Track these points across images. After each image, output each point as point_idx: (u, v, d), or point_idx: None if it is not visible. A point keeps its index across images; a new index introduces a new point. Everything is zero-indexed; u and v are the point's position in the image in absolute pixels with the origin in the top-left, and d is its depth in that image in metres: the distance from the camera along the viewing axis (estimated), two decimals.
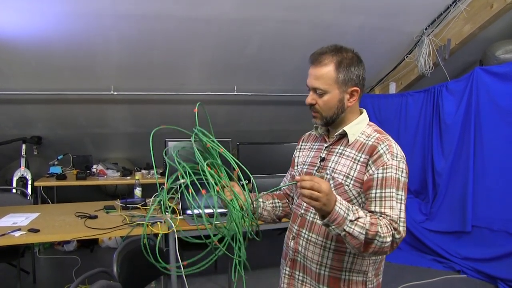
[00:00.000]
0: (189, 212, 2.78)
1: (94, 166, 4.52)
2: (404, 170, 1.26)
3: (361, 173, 1.27)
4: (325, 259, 1.33)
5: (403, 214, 1.22)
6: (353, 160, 1.30)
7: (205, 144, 1.26)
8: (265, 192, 1.48)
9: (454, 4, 3.68)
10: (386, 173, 1.23)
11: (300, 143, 1.57)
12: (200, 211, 1.16)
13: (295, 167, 1.52)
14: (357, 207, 1.19)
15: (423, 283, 3.51)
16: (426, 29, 4.00)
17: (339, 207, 1.13)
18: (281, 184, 1.60)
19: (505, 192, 3.48)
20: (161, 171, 4.55)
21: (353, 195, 1.29)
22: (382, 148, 1.26)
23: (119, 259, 2.01)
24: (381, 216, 1.20)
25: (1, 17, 3.15)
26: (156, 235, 2.47)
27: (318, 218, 1.26)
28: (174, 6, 3.26)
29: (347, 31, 3.80)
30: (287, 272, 1.46)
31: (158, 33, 3.55)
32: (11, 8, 3.07)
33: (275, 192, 1.59)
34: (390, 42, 4.17)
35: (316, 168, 1.40)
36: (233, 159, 1.24)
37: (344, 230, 1.14)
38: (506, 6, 3.40)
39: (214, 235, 1.20)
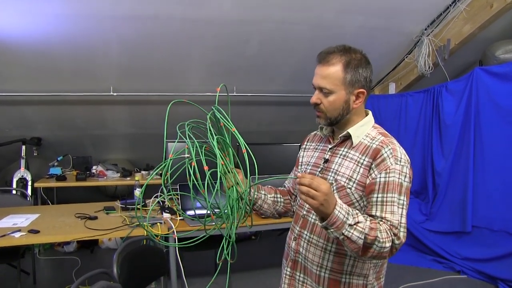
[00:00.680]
0: (188, 212, 2.78)
1: (94, 167, 4.52)
2: (408, 175, 1.24)
3: (364, 176, 1.26)
4: (325, 261, 1.33)
5: (404, 220, 1.21)
6: (356, 163, 1.29)
7: (218, 122, 1.27)
8: (264, 180, 1.42)
9: (454, 4, 3.68)
10: (388, 177, 1.22)
11: (305, 143, 1.56)
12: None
13: (299, 167, 1.52)
14: (357, 211, 1.18)
15: (423, 284, 3.50)
16: (425, 29, 4.00)
17: (339, 211, 1.12)
18: (285, 183, 1.61)
19: (505, 192, 3.48)
20: (161, 171, 4.54)
21: (355, 198, 1.28)
22: (386, 152, 1.24)
23: (119, 260, 2.01)
24: (381, 221, 1.19)
25: (1, 19, 3.15)
26: (156, 235, 2.47)
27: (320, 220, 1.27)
28: (173, 7, 3.26)
29: (346, 32, 3.80)
30: (288, 273, 1.46)
31: (158, 34, 3.55)
32: (11, 10, 3.07)
33: (279, 187, 1.59)
34: (390, 42, 4.17)
35: (319, 169, 1.39)
36: (243, 142, 1.23)
37: (343, 234, 1.13)
38: (506, 6, 3.40)
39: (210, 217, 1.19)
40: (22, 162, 4.39)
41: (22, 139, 4.42)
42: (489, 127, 3.61)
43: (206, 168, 1.13)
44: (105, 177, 4.40)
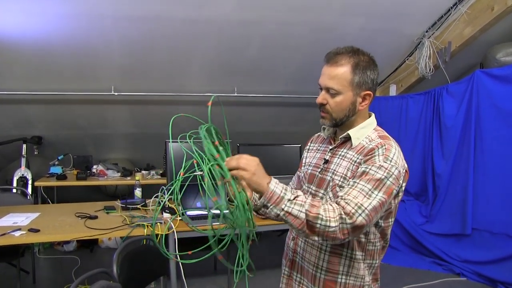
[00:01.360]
0: (189, 213, 2.78)
1: (95, 167, 4.53)
2: (394, 176, 1.19)
3: (353, 172, 1.26)
4: (321, 261, 1.33)
5: (368, 205, 1.13)
6: (351, 162, 1.29)
7: (216, 139, 1.27)
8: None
9: (455, 6, 3.69)
10: (369, 169, 1.19)
11: (309, 144, 1.57)
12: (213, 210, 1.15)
13: (302, 168, 1.52)
14: (298, 190, 1.17)
15: (422, 286, 3.50)
16: (426, 31, 4.01)
17: (275, 186, 1.13)
18: (290, 184, 1.60)
19: (505, 194, 3.48)
20: (161, 171, 4.55)
21: None
22: (378, 151, 1.23)
23: (119, 260, 2.01)
24: (335, 201, 1.16)
25: (3, 18, 3.16)
26: (156, 235, 2.47)
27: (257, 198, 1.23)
28: (175, 7, 3.27)
29: (347, 33, 3.81)
30: (286, 273, 1.47)
31: (159, 34, 3.56)
32: (13, 9, 3.08)
33: None
34: (391, 44, 4.17)
35: (319, 169, 1.39)
36: (229, 152, 1.25)
37: (283, 209, 1.11)
38: (507, 9, 3.41)
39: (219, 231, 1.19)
40: (23, 161, 4.40)
41: (23, 138, 4.43)
42: (490, 130, 3.62)
43: (214, 199, 1.12)
44: (105, 177, 4.40)
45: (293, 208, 1.11)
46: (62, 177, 4.19)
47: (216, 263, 3.75)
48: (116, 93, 4.11)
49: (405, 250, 4.15)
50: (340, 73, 1.27)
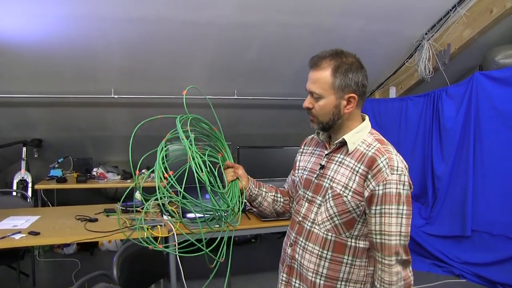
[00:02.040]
0: (189, 216, 2.78)
1: (95, 169, 4.52)
2: (406, 183, 1.23)
3: (360, 185, 1.25)
4: (321, 268, 1.32)
5: (403, 229, 1.22)
6: (352, 171, 1.28)
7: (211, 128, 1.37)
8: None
9: (454, 9, 3.70)
10: (385, 189, 1.21)
11: (302, 147, 1.57)
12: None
13: (296, 171, 1.52)
14: None
15: None
16: (426, 33, 4.02)
17: None
18: (285, 184, 1.63)
19: (505, 196, 3.48)
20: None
21: (352, 206, 1.27)
22: (381, 162, 1.23)
23: (119, 262, 2.02)
24: (374, 239, 1.24)
25: (3, 20, 3.17)
26: (156, 238, 2.47)
27: (315, 227, 1.29)
28: (175, 10, 3.27)
29: (347, 35, 3.82)
30: (284, 279, 1.46)
31: (159, 36, 3.56)
32: (12, 11, 3.09)
33: (279, 188, 1.61)
34: (390, 47, 4.18)
35: (315, 175, 1.39)
36: (222, 141, 1.37)
37: None
38: (506, 11, 3.42)
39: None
40: (23, 163, 4.40)
41: (23, 140, 4.43)
42: (489, 132, 3.62)
43: (171, 173, 1.21)
44: (105, 179, 4.40)
45: None
46: (62, 180, 4.19)
47: (216, 264, 3.74)
48: (116, 96, 4.12)
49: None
50: (321, 76, 1.27)
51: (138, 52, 3.72)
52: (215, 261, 1.27)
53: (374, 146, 1.28)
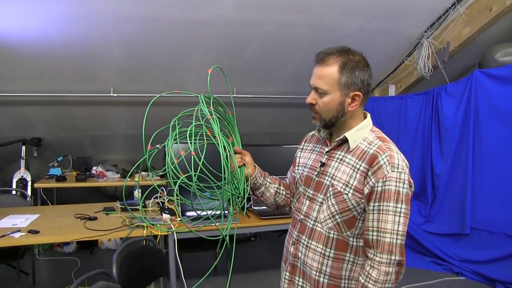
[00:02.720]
0: (188, 214, 2.78)
1: (94, 168, 4.52)
2: (406, 181, 1.22)
3: (361, 182, 1.25)
4: (324, 266, 1.32)
5: (401, 228, 1.20)
6: (353, 168, 1.27)
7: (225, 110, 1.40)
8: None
9: (454, 7, 3.70)
10: (385, 186, 1.20)
11: (303, 143, 1.56)
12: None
13: (296, 168, 1.52)
14: None
15: (421, 285, 3.51)
16: (425, 31, 4.02)
17: None
18: (287, 178, 1.64)
19: (504, 194, 3.49)
20: (161, 172, 4.55)
21: (352, 204, 1.26)
22: (382, 159, 1.22)
23: (119, 261, 2.02)
24: (373, 263, 1.22)
25: (2, 19, 3.16)
26: (155, 236, 2.48)
27: (318, 225, 1.29)
28: (173, 9, 3.27)
29: (346, 34, 3.81)
30: (287, 277, 1.45)
31: (158, 35, 3.56)
32: (12, 11, 3.08)
33: (282, 180, 1.62)
34: (390, 45, 4.18)
35: (316, 172, 1.38)
36: (234, 126, 1.44)
37: None
38: (505, 9, 3.41)
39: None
40: (22, 162, 4.40)
41: (22, 139, 4.43)
42: (488, 130, 3.62)
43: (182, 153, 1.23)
44: (105, 178, 4.40)
45: None
46: (61, 178, 4.19)
47: (216, 264, 3.75)
48: (115, 94, 4.11)
49: (405, 250, 4.15)
50: (327, 72, 1.26)
51: (137, 51, 3.71)
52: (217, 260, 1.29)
53: (376, 144, 1.27)
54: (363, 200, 1.25)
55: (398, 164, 1.22)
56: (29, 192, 4.19)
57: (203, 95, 1.31)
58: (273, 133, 5.36)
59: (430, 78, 4.25)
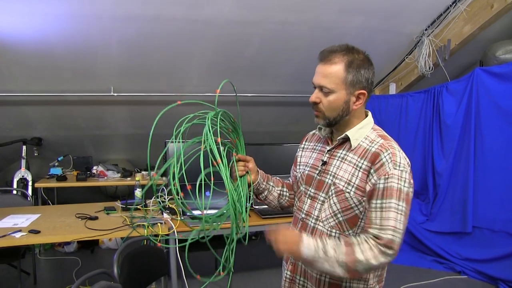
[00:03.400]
0: (189, 213, 2.78)
1: (94, 167, 4.52)
2: (407, 180, 1.21)
3: (363, 181, 1.24)
4: None
5: (400, 226, 1.18)
6: (355, 167, 1.27)
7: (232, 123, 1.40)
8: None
9: (454, 4, 3.68)
10: (387, 183, 1.19)
11: (304, 142, 1.56)
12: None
13: (297, 167, 1.51)
14: (329, 241, 1.20)
15: (423, 284, 3.50)
16: (426, 29, 4.00)
17: (307, 250, 1.19)
18: (290, 178, 1.62)
19: (505, 192, 3.48)
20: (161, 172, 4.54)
21: (354, 203, 1.26)
22: (385, 157, 1.22)
23: (120, 260, 2.02)
24: (370, 237, 1.18)
25: (2, 19, 3.16)
26: (156, 235, 2.47)
27: (319, 224, 1.30)
28: (173, 7, 3.26)
29: (346, 32, 3.81)
30: (288, 276, 1.45)
31: (158, 34, 3.55)
32: (11, 10, 3.07)
33: (285, 181, 1.61)
34: (390, 43, 4.17)
35: (317, 171, 1.38)
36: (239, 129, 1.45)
37: (321, 269, 1.19)
38: (506, 6, 3.40)
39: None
40: (23, 162, 4.40)
41: (23, 139, 4.43)
42: (490, 128, 3.61)
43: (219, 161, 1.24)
44: (105, 178, 4.40)
45: (328, 265, 1.17)
46: (62, 178, 4.19)
47: (216, 263, 3.75)
48: (115, 94, 4.11)
49: (406, 248, 4.15)
50: (333, 71, 1.25)
51: (137, 50, 3.71)
52: (222, 265, 1.31)
53: (378, 142, 1.27)
54: (364, 198, 1.25)
55: (400, 162, 1.21)
56: (29, 192, 4.19)
57: (210, 117, 1.31)
58: (273, 132, 5.36)
59: (431, 76, 4.24)
